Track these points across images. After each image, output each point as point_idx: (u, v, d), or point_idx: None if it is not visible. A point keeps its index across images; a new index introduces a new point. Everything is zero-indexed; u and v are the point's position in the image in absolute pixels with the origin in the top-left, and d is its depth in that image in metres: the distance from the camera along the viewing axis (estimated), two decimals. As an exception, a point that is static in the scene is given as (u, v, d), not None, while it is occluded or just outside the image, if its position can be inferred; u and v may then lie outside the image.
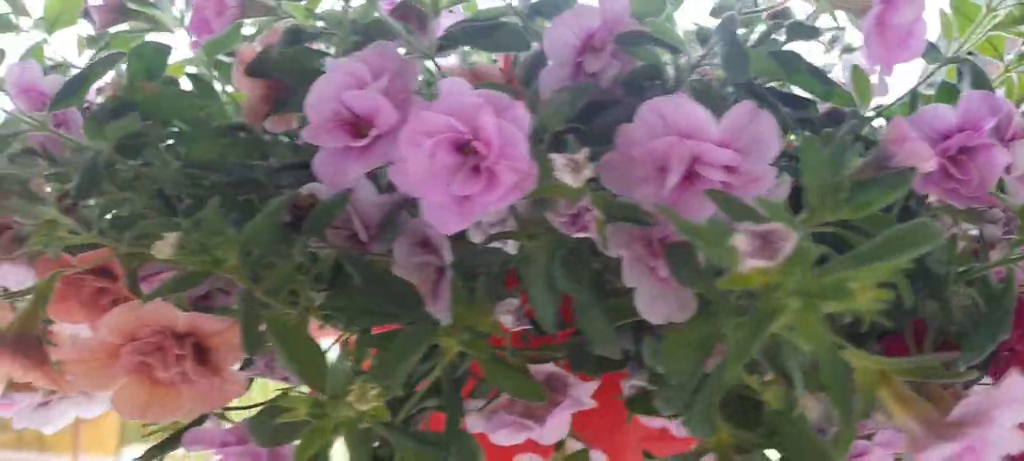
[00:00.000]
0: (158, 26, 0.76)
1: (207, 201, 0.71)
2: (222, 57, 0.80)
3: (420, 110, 0.50)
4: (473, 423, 0.62)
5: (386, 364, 0.52)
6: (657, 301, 0.54)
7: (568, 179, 0.46)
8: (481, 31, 0.64)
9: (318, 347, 0.50)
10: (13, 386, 0.99)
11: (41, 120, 0.63)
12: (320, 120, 0.58)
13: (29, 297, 0.57)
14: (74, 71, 0.92)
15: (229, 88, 0.89)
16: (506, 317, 0.54)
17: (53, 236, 0.52)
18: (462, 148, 0.50)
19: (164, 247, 0.52)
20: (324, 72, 0.77)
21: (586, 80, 0.70)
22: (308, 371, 0.49)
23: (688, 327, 0.51)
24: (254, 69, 0.75)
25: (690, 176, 0.52)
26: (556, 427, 0.66)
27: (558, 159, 0.46)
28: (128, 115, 0.72)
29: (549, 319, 0.50)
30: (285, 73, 0.75)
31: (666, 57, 0.66)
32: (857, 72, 0.66)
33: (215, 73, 0.83)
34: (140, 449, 0.67)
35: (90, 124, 0.70)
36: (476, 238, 0.56)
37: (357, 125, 0.59)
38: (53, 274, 0.57)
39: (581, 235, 0.49)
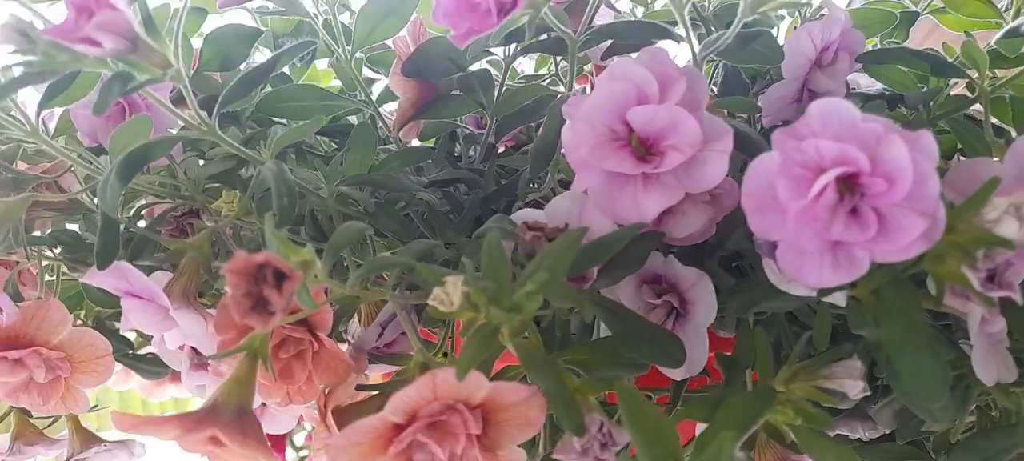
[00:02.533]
0: (295, 9, 0.62)
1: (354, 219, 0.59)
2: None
3: (798, 136, 0.41)
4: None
5: (718, 436, 0.42)
6: (990, 361, 0.48)
7: (1010, 229, 0.39)
8: (738, 42, 0.55)
9: (668, 421, 0.40)
10: (23, 438, 0.82)
11: (207, 123, 0.49)
12: (595, 138, 0.48)
13: (241, 358, 0.43)
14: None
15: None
16: (851, 383, 0.46)
17: (309, 282, 0.40)
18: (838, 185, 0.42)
19: (450, 295, 0.41)
20: (484, 76, 0.67)
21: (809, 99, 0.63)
22: (664, 452, 0.39)
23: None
24: (413, 68, 0.63)
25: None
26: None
27: (999, 202, 0.39)
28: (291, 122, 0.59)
29: (938, 391, 0.42)
30: (441, 75, 0.64)
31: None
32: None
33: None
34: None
35: (228, 129, 0.57)
36: (798, 289, 0.47)
37: (630, 143, 0.49)
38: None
39: (1002, 294, 0.41)
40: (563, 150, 0.50)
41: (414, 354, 0.47)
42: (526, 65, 0.92)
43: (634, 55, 0.51)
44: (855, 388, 0.45)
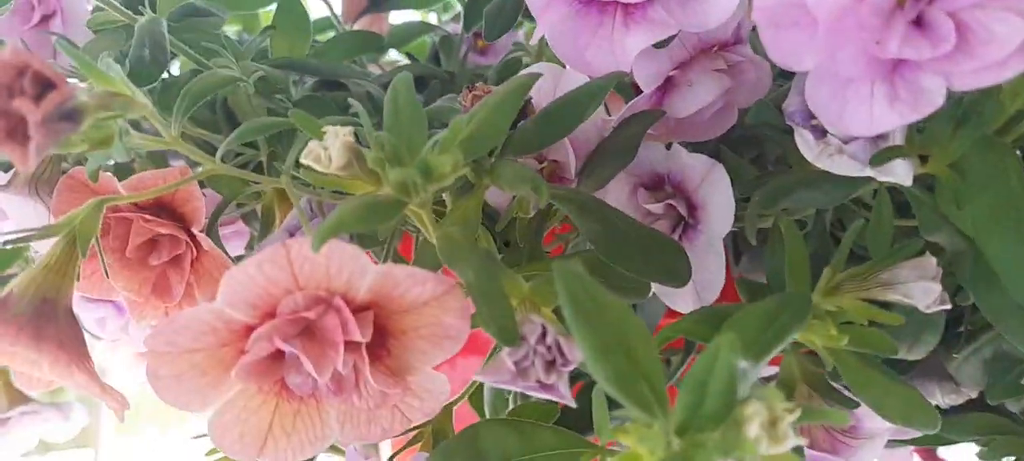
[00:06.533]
0: None
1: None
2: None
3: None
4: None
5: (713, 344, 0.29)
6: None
7: None
8: None
9: (640, 327, 0.27)
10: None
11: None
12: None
13: (55, 241, 0.32)
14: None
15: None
16: (923, 287, 0.31)
17: (117, 126, 0.28)
18: None
19: (329, 149, 0.29)
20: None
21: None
22: (629, 368, 0.26)
23: None
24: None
25: None
26: None
27: None
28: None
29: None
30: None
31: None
32: None
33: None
34: None
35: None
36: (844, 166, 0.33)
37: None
38: (97, 201, 0.32)
39: None
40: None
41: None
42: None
43: None
44: (928, 294, 0.31)
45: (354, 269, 0.28)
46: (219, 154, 0.33)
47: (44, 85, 0.25)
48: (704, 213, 0.40)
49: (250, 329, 0.28)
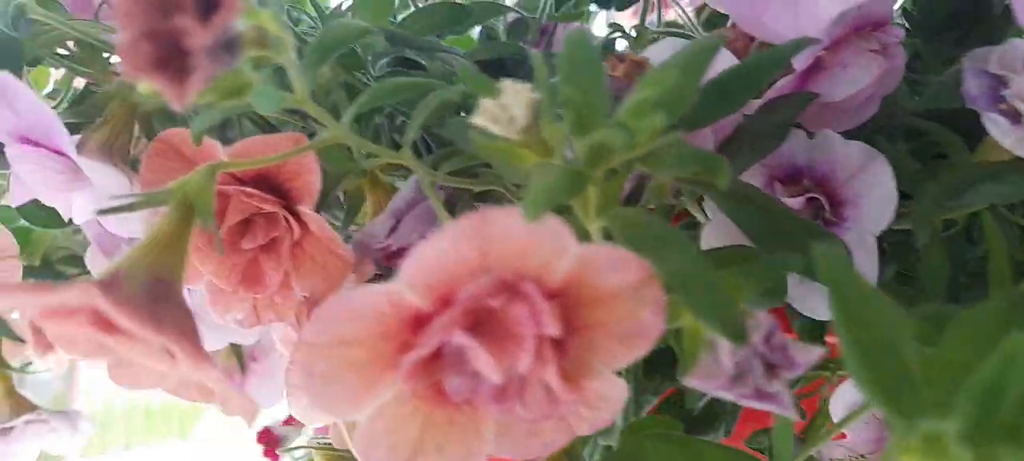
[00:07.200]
0: None
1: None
2: None
3: None
4: None
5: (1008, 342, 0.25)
6: None
7: None
8: None
9: (900, 319, 0.22)
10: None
11: None
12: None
13: (163, 212, 0.26)
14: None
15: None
16: None
17: (255, 73, 0.23)
18: None
19: (509, 108, 0.24)
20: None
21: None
22: (898, 373, 0.22)
23: None
24: None
25: None
26: None
27: None
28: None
29: None
30: None
31: None
32: None
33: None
34: None
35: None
36: None
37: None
38: (210, 167, 0.27)
39: None
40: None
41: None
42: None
43: None
44: None
45: (554, 248, 0.23)
46: (347, 117, 0.28)
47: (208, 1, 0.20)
48: (854, 210, 0.37)
49: (418, 318, 0.24)
